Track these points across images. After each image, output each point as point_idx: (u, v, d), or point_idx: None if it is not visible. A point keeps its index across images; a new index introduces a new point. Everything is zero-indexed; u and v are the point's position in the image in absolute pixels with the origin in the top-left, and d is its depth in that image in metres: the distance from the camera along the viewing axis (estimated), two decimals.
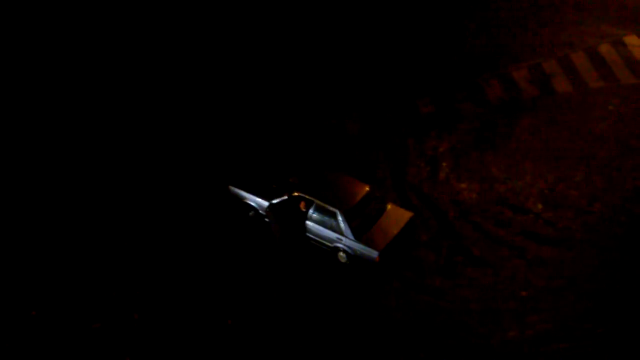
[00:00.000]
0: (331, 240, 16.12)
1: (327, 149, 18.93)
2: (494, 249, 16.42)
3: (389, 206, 16.49)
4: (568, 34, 21.80)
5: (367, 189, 16.25)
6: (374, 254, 15.63)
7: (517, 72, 20.71)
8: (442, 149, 18.69)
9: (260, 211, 16.91)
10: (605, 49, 21.27)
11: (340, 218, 15.75)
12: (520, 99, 19.92)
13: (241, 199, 17.19)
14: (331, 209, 15.84)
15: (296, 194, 16.18)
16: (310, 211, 16.15)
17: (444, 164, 18.32)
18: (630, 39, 21.52)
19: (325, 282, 16.07)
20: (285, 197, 16.15)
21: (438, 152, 18.64)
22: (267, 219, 16.69)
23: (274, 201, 16.14)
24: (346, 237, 15.83)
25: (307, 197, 16.12)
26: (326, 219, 15.97)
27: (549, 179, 17.81)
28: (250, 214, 17.16)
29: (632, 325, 14.73)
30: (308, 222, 16.22)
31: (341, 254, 16.19)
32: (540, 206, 17.20)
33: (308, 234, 16.43)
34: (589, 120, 19.20)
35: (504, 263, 16.14)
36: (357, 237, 15.77)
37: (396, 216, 16.29)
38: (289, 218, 16.23)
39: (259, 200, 16.82)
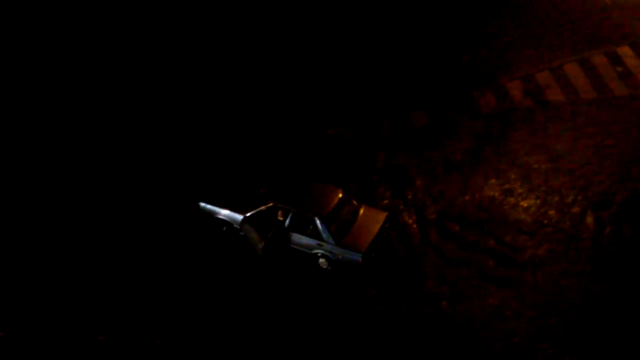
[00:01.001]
0: (311, 247, 16.28)
1: (313, 159, 19.06)
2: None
3: (362, 208, 16.78)
4: (560, 47, 21.98)
5: (341, 193, 16.53)
6: (357, 256, 15.89)
7: (511, 84, 20.90)
8: (434, 160, 18.95)
9: (235, 225, 16.89)
10: (598, 60, 21.44)
11: (318, 224, 15.94)
12: (513, 111, 20.09)
13: (213, 215, 17.10)
14: (309, 215, 16.03)
15: (271, 204, 16.30)
16: (288, 220, 16.26)
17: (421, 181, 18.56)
18: (624, 51, 21.68)
19: (310, 289, 16.21)
20: (261, 209, 16.28)
21: (428, 164, 18.90)
22: (242, 233, 16.63)
23: (250, 213, 16.26)
24: (327, 242, 16.03)
25: (283, 206, 16.24)
26: (304, 226, 16.15)
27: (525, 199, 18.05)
28: (224, 229, 17.12)
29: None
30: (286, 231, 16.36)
31: (322, 260, 16.36)
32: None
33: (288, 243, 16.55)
34: (577, 134, 19.42)
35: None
36: (338, 242, 16.00)
37: (372, 216, 16.62)
38: (267, 229, 16.24)
39: (233, 214, 16.84)
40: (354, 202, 16.73)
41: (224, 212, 16.93)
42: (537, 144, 19.10)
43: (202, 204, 17.17)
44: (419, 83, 21.11)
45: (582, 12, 23.12)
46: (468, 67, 21.47)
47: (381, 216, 16.66)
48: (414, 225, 17.35)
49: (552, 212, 17.44)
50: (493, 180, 18.28)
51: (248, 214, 16.27)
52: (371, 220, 16.53)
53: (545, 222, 17.24)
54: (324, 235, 15.97)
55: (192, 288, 16.14)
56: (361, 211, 16.67)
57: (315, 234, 16.07)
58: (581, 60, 21.44)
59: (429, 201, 17.89)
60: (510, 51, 21.90)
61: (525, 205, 17.65)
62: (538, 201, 17.71)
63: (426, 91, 20.85)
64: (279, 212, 16.28)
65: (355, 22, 23.15)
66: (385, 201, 17.92)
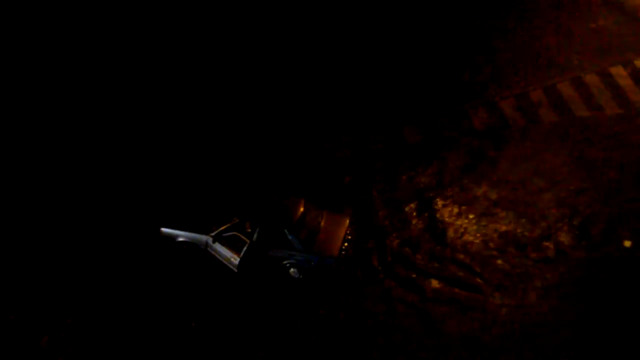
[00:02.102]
0: (282, 258, 16.28)
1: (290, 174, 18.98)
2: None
3: (325, 213, 16.98)
4: (554, 63, 22.07)
5: (303, 202, 16.70)
6: (329, 261, 16.05)
7: (504, 101, 20.95)
8: (423, 180, 18.93)
9: (201, 246, 16.67)
10: (591, 79, 21.52)
11: (288, 235, 15.99)
12: (505, 128, 20.12)
13: (175, 239, 16.74)
14: (277, 227, 16.04)
15: (237, 220, 16.30)
16: (256, 234, 16.16)
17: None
18: (616, 70, 21.76)
19: (286, 299, 16.24)
20: (228, 225, 16.25)
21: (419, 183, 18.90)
22: (211, 252, 16.53)
23: (216, 232, 16.19)
24: (297, 251, 16.07)
25: (250, 221, 16.21)
26: (274, 238, 16.12)
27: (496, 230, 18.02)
28: (184, 247, 16.74)
29: None
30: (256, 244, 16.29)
31: (292, 270, 16.37)
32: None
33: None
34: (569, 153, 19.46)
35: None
36: (309, 249, 16.08)
37: (336, 221, 16.89)
38: (237, 245, 16.16)
39: (196, 235, 16.59)
40: (317, 210, 16.92)
41: (187, 235, 16.64)
42: (527, 165, 19.13)
43: (164, 229, 16.81)
44: (413, 98, 21.13)
45: (578, 31, 23.25)
46: (463, 84, 21.53)
47: (345, 219, 16.99)
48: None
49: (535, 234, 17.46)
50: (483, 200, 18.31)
51: (215, 233, 16.24)
52: (336, 224, 16.82)
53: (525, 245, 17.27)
54: (295, 244, 16.04)
55: (172, 311, 15.91)
56: (325, 217, 16.91)
57: (285, 244, 16.11)
58: (574, 79, 21.52)
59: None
60: (504, 69, 21.97)
61: (504, 229, 17.63)
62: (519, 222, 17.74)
63: (419, 107, 20.87)
64: (247, 227, 16.25)
65: (350, 38, 23.21)
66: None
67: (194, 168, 18.97)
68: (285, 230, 16.03)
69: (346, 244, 16.87)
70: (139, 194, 18.22)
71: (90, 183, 18.42)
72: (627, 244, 16.89)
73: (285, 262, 16.31)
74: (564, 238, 17.25)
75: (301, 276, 16.44)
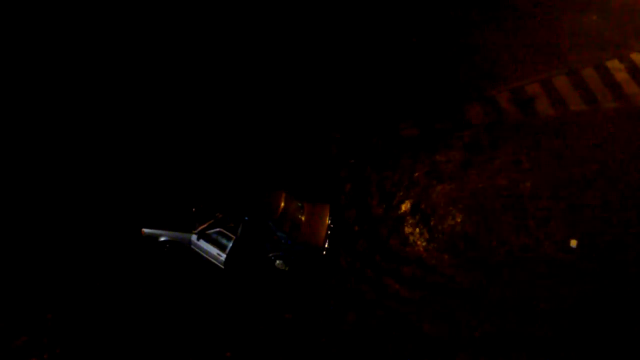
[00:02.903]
0: (267, 251, 16.36)
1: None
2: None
3: (305, 205, 17.16)
4: (550, 58, 22.08)
5: (283, 194, 16.82)
6: (317, 250, 16.22)
7: (500, 95, 20.97)
8: (417, 174, 18.96)
9: (185, 244, 16.55)
10: (587, 72, 21.53)
11: (273, 227, 16.11)
12: (502, 122, 20.15)
13: (158, 238, 16.60)
14: (262, 221, 16.12)
15: (220, 215, 16.33)
16: (240, 229, 16.21)
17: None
18: (613, 63, 21.77)
19: (275, 291, 16.33)
20: (211, 222, 16.26)
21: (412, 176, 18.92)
22: (196, 249, 16.51)
23: (200, 228, 16.21)
24: (283, 243, 16.20)
25: (233, 216, 16.22)
26: (259, 232, 16.20)
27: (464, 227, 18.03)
28: (166, 247, 16.64)
29: None
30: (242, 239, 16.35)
31: (278, 262, 16.47)
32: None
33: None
34: (569, 146, 19.46)
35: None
36: (294, 240, 16.21)
37: (318, 211, 17.10)
38: (222, 241, 16.21)
39: (180, 234, 16.48)
40: (297, 202, 17.08)
41: (169, 234, 16.49)
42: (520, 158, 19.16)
43: (145, 230, 16.63)
44: (409, 93, 21.16)
45: (571, 26, 23.25)
46: (459, 78, 21.55)
47: (325, 209, 17.19)
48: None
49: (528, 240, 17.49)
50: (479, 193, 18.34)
51: (198, 230, 16.25)
52: (318, 214, 17.03)
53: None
54: (280, 236, 16.16)
55: (163, 311, 15.88)
56: (306, 209, 17.09)
57: (269, 237, 16.21)
58: (570, 72, 21.54)
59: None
60: (500, 62, 21.99)
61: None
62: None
63: (416, 101, 20.90)
64: (230, 223, 16.26)
65: (349, 34, 23.22)
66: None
67: (173, 166, 18.86)
68: (270, 223, 16.12)
69: (329, 232, 17.03)
70: (119, 193, 18.07)
71: (69, 181, 18.28)
72: (573, 243, 16.88)
73: (270, 254, 16.39)
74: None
75: (287, 268, 16.53)
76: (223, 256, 16.10)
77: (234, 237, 16.11)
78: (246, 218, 16.15)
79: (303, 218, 16.84)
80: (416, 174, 18.89)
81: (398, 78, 21.70)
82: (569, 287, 16.11)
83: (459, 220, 17.70)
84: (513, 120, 20.19)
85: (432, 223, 17.64)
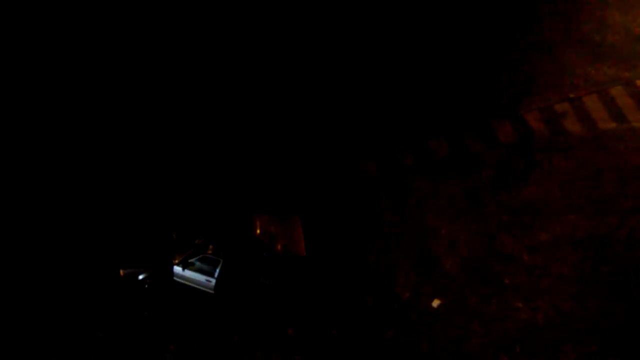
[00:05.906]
0: (252, 269, 16.59)
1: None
2: None
3: (276, 218, 17.39)
4: (577, 75, 22.00)
5: (255, 212, 17.15)
6: (300, 260, 16.71)
7: (529, 114, 20.93)
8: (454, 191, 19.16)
9: (166, 278, 16.44)
10: (617, 91, 21.45)
11: (255, 246, 16.38)
12: (531, 141, 20.20)
13: (137, 276, 16.40)
14: (243, 242, 16.38)
15: (199, 241, 16.33)
16: (223, 253, 16.28)
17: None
18: None
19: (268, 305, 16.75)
20: (192, 250, 16.24)
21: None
22: (180, 280, 16.46)
23: (182, 258, 16.15)
24: (267, 259, 16.50)
25: (213, 241, 16.36)
26: (241, 253, 16.38)
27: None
28: (147, 281, 16.47)
29: None
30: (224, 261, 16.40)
31: (263, 277, 16.74)
32: None
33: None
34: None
35: None
36: (277, 255, 16.57)
37: (291, 223, 17.43)
38: (208, 267, 16.23)
39: (159, 268, 16.37)
40: (269, 217, 17.31)
41: (148, 269, 16.36)
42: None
43: (123, 270, 16.38)
44: (438, 111, 21.21)
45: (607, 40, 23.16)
46: (488, 95, 21.56)
47: (296, 221, 17.51)
48: None
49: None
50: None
51: (182, 259, 16.18)
52: (292, 226, 17.36)
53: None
54: (264, 253, 16.43)
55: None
56: (279, 222, 17.33)
57: (253, 255, 16.44)
58: (599, 91, 21.48)
59: None
60: (530, 81, 21.95)
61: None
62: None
63: (445, 119, 20.97)
64: (210, 248, 16.27)
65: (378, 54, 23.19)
66: None
67: (145, 200, 18.40)
68: (253, 242, 16.35)
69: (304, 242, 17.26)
70: (92, 234, 17.59)
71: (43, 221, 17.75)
72: (435, 303, 16.77)
73: (256, 271, 16.60)
74: None
75: (268, 282, 16.75)
76: (213, 281, 16.22)
77: (220, 260, 16.16)
78: (227, 241, 16.30)
79: (279, 232, 17.07)
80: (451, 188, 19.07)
81: (425, 95, 21.72)
82: None
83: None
84: (542, 138, 20.13)
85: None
